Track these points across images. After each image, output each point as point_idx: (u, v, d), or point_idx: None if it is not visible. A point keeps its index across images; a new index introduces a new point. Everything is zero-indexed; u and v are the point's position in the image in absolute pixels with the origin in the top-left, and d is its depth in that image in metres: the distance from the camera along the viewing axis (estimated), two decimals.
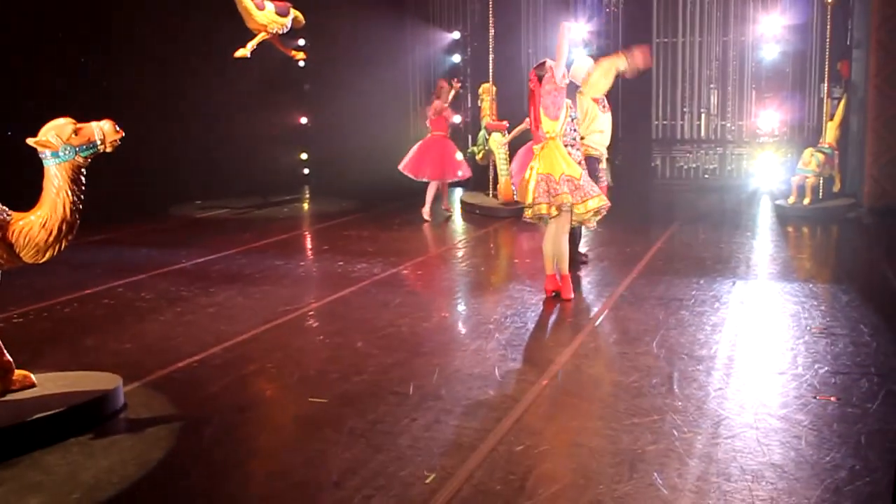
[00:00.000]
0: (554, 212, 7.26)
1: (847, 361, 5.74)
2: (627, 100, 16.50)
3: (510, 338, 6.42)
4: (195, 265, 9.29)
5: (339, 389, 5.34)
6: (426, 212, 12.22)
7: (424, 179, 12.42)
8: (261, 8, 9.90)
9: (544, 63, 7.45)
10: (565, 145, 7.43)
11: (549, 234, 7.45)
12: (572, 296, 7.49)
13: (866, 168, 12.17)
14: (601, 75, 8.64)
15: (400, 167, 12.48)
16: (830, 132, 12.63)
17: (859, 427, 4.62)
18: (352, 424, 4.77)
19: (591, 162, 8.31)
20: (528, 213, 7.44)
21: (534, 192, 7.25)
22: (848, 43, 13.72)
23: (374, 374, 5.61)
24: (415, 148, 12.59)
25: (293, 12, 10.35)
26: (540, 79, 7.39)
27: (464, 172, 12.68)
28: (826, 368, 5.58)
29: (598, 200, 7.40)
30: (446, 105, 12.63)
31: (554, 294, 7.49)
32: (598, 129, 8.61)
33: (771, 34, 16.24)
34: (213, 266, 9.26)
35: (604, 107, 8.66)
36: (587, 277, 8.48)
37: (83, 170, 4.79)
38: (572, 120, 7.61)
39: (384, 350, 6.14)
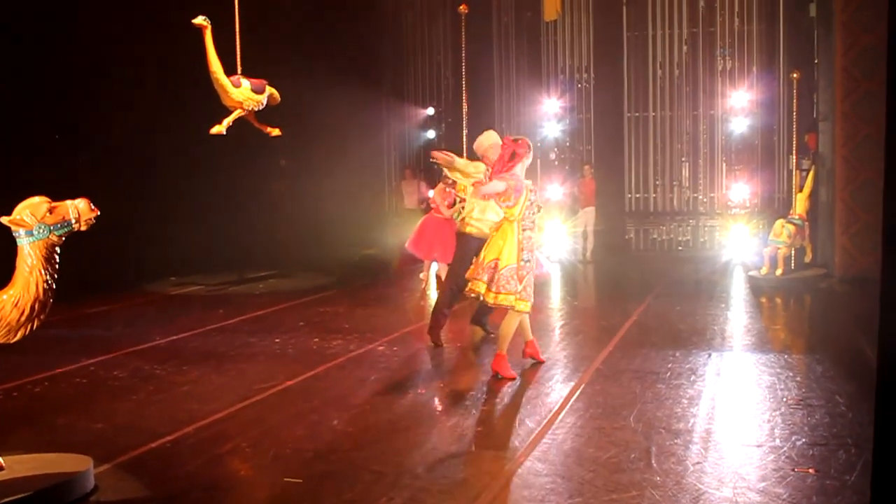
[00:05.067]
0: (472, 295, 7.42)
1: (824, 433, 5.74)
2: (600, 173, 16.75)
3: (487, 414, 6.37)
4: (169, 342, 9.20)
5: (314, 468, 5.27)
6: (424, 276, 13.05)
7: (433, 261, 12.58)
8: (237, 85, 9.92)
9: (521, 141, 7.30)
10: (523, 230, 7.17)
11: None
12: (499, 374, 7.31)
13: (836, 238, 12.35)
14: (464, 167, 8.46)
15: (407, 246, 12.51)
16: (800, 203, 12.83)
17: (839, 500, 4.60)
18: None
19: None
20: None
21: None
22: (814, 116, 14.05)
23: (350, 453, 5.54)
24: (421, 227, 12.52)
25: (269, 89, 10.38)
26: (511, 156, 7.21)
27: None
28: (803, 440, 5.57)
29: (510, 299, 7.15)
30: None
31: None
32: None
33: (739, 108, 16.62)
34: (188, 343, 9.18)
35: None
36: (564, 352, 8.48)
37: (57, 249, 4.76)
38: (531, 203, 7.22)
39: (360, 428, 6.08)
